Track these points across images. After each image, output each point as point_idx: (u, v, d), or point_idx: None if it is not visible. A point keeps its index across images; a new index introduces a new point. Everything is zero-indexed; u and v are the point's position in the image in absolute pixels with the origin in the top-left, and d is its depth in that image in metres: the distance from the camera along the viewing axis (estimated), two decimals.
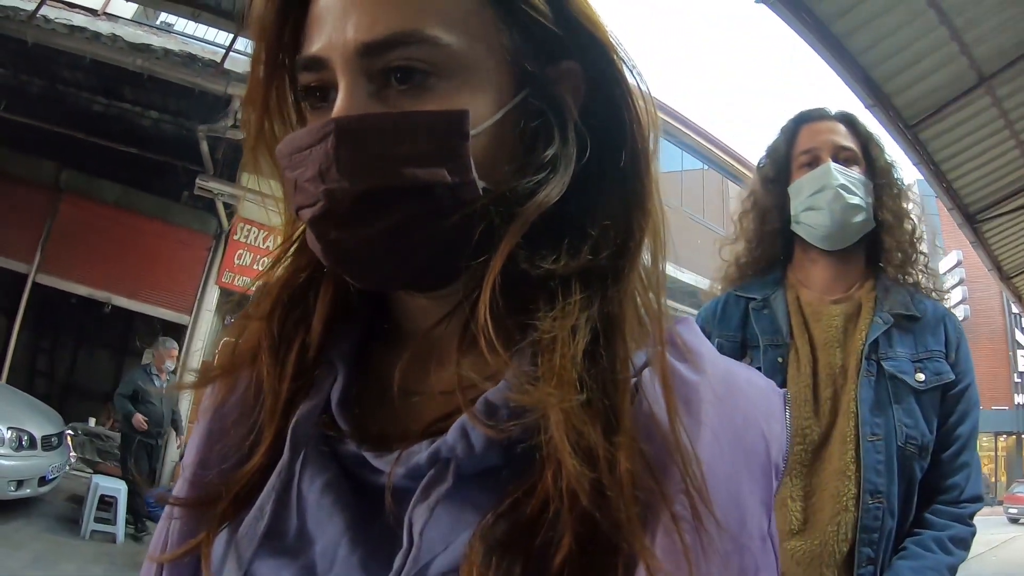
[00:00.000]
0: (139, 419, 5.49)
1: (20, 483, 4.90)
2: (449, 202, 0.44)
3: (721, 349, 1.29)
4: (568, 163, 0.46)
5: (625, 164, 0.47)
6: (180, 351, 6.41)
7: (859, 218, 1.28)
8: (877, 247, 1.33)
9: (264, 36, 0.48)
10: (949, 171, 5.65)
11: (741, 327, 1.33)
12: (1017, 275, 6.80)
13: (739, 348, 1.32)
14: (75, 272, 7.19)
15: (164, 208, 7.62)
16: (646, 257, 0.47)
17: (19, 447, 4.87)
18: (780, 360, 1.27)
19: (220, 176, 6.81)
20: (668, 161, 12.32)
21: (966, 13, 4.09)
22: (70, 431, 6.23)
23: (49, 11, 5.69)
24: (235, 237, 7.65)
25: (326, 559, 0.45)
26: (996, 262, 6.43)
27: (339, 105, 0.44)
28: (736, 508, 0.43)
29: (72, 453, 6.13)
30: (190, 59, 6.07)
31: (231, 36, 5.77)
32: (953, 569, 1.16)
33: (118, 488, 5.44)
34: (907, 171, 1.42)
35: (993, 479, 23.84)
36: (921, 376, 1.22)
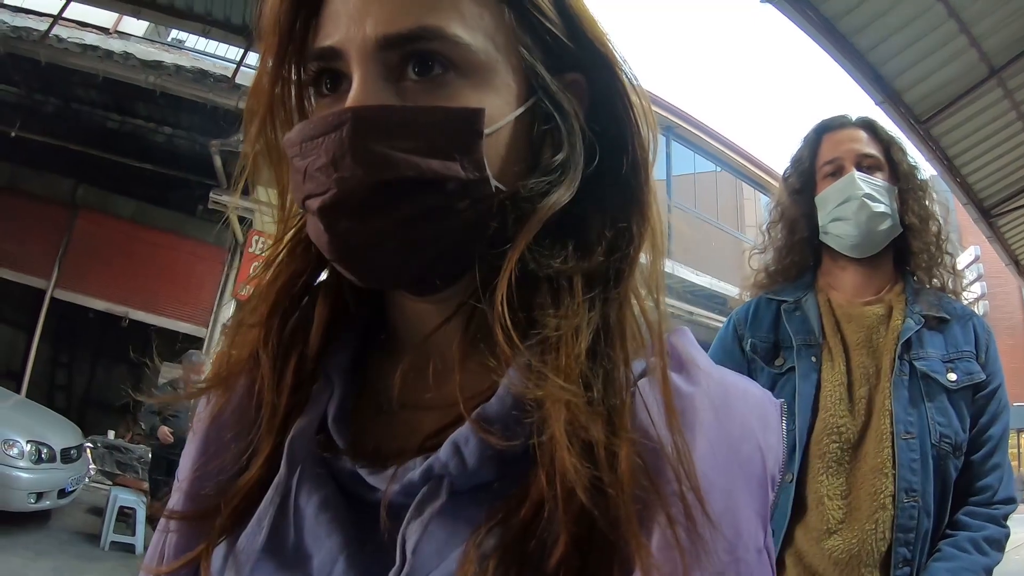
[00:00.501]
0: (164, 432, 5.54)
1: (40, 495, 4.96)
2: (462, 197, 0.44)
3: (755, 350, 1.33)
4: (576, 168, 0.47)
5: (626, 173, 0.48)
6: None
7: (885, 225, 1.30)
8: (905, 250, 1.34)
9: (276, 28, 0.47)
10: (963, 166, 5.60)
11: (774, 329, 1.34)
12: None
13: (772, 349, 1.33)
14: (92, 287, 7.29)
15: (179, 222, 7.72)
16: (645, 264, 0.48)
17: (39, 460, 4.93)
18: (814, 359, 1.28)
19: (234, 191, 6.88)
20: (681, 164, 12.26)
21: (974, 6, 4.06)
22: (89, 444, 6.29)
23: (61, 31, 5.80)
24: (250, 250, 7.71)
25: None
26: (1013, 256, 6.36)
27: (354, 95, 0.44)
28: (731, 520, 0.42)
29: (91, 465, 6.20)
30: (202, 75, 6.15)
31: (241, 51, 5.83)
32: (989, 570, 1.15)
33: (137, 500, 5.49)
34: (922, 166, 1.42)
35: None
36: (953, 376, 1.23)
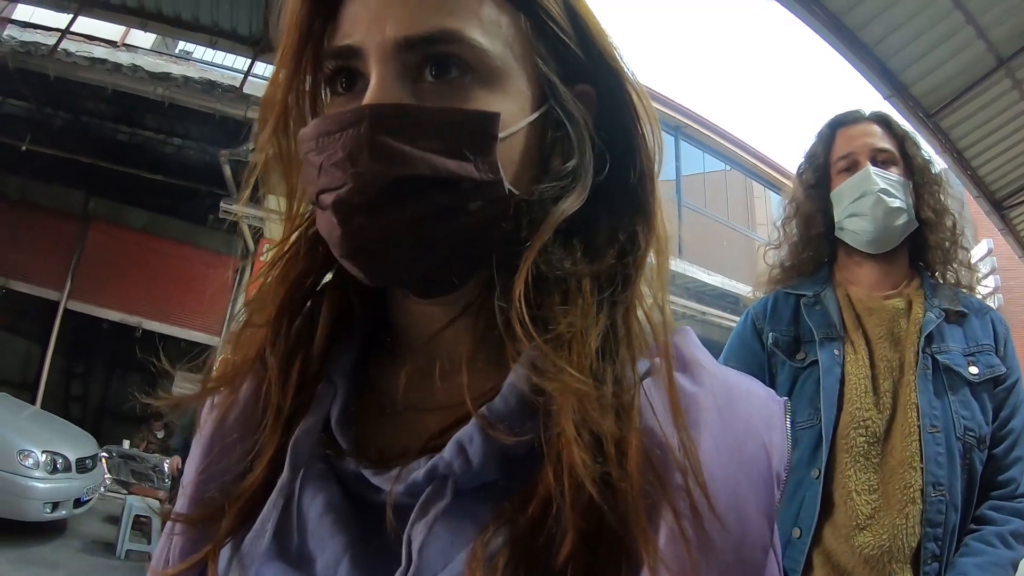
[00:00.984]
0: (176, 463, 5.63)
1: (55, 505, 5.00)
2: (475, 198, 0.45)
3: (776, 344, 1.32)
4: (587, 176, 0.48)
5: (634, 182, 0.49)
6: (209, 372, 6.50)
7: (901, 220, 1.29)
8: (920, 245, 1.33)
9: (295, 27, 0.48)
10: (973, 158, 5.54)
11: (794, 322, 1.33)
12: None
13: (793, 343, 1.32)
14: (106, 298, 7.36)
15: (191, 232, 7.78)
16: (651, 270, 0.49)
17: (54, 470, 4.97)
18: (836, 352, 1.26)
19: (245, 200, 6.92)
20: (690, 164, 12.20)
21: None
22: (104, 453, 6.34)
23: (70, 45, 5.87)
24: (261, 258, 7.75)
25: None
26: None
27: (371, 93, 0.44)
28: (737, 518, 0.42)
29: (107, 475, 6.24)
30: (210, 85, 6.21)
31: (249, 61, 5.87)
32: (1015, 564, 1.14)
33: (152, 508, 5.53)
34: (935, 160, 1.42)
35: None
36: (974, 369, 1.23)
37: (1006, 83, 4.61)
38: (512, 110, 0.46)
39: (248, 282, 7.73)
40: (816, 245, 1.39)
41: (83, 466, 5.34)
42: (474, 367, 0.47)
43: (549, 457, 0.41)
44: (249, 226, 7.44)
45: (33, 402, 6.81)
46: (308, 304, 0.52)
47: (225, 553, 0.47)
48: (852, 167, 1.34)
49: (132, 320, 7.48)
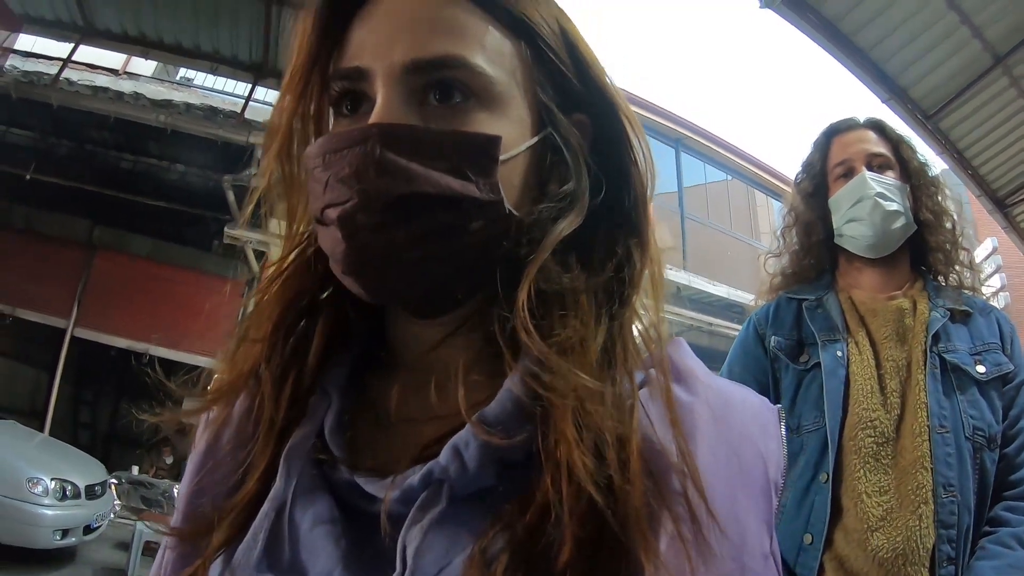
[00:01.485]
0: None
1: (65, 532, 4.97)
2: (476, 217, 0.46)
3: (779, 347, 1.32)
4: (583, 199, 0.50)
5: (628, 205, 0.51)
6: None
7: (899, 223, 1.29)
8: (921, 248, 1.33)
9: (303, 48, 0.50)
10: (973, 158, 5.54)
11: (796, 326, 1.33)
12: None
13: (796, 346, 1.31)
14: (113, 325, 7.38)
15: (196, 258, 7.81)
16: (646, 285, 0.51)
17: (63, 497, 4.96)
18: (840, 354, 1.25)
19: (248, 224, 6.96)
20: (691, 175, 12.25)
21: None
22: (114, 480, 6.33)
23: (72, 74, 5.95)
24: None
25: None
26: None
27: (378, 112, 0.46)
28: (736, 526, 0.43)
29: (116, 501, 6.22)
30: (211, 112, 6.27)
31: (250, 87, 5.94)
32: None
33: (163, 534, 5.49)
34: (932, 162, 1.43)
35: None
36: (982, 368, 1.22)
37: (1003, 81, 4.62)
38: (512, 134, 0.48)
39: (246, 302, 7.75)
40: (817, 252, 1.40)
41: (92, 493, 5.32)
42: (469, 380, 0.47)
43: (547, 462, 0.41)
44: (253, 250, 7.52)
45: (41, 430, 6.81)
46: (304, 321, 0.53)
47: (216, 566, 0.46)
48: (848, 173, 1.35)
49: (139, 347, 7.48)
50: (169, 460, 7.27)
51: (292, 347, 0.52)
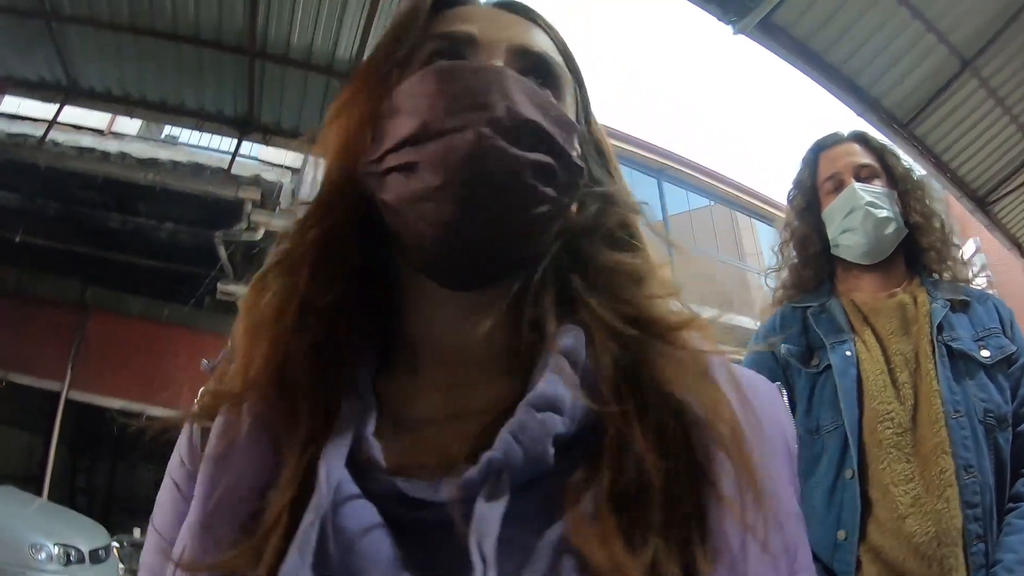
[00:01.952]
0: None
1: None
2: (566, 176, 0.50)
3: (790, 354, 1.36)
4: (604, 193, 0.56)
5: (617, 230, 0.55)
6: None
7: (891, 229, 1.35)
8: (914, 250, 1.39)
9: (407, 20, 0.55)
10: (951, 160, 5.66)
11: (803, 332, 1.37)
12: None
13: (806, 351, 1.35)
14: (108, 386, 7.28)
15: (190, 316, 7.74)
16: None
17: (68, 562, 4.85)
18: (849, 354, 1.29)
19: (241, 279, 6.95)
20: (675, 203, 12.46)
21: (937, 3, 4.19)
22: (116, 543, 6.19)
23: (58, 135, 5.96)
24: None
25: None
26: (1015, 240, 6.35)
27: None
28: (772, 486, 0.46)
29: (120, 565, 6.08)
30: (198, 168, 6.30)
31: (235, 142, 5.98)
32: None
33: None
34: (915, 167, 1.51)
35: None
36: (986, 352, 1.27)
37: (973, 83, 4.75)
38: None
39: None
40: (815, 263, 1.45)
41: (96, 557, 5.21)
42: (490, 377, 0.50)
43: (612, 415, 0.44)
44: None
45: (39, 495, 6.66)
46: (331, 313, 0.51)
47: None
48: (839, 186, 1.41)
49: (135, 407, 7.37)
50: None
51: (314, 346, 0.50)
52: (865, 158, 1.43)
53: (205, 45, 4.85)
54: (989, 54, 4.50)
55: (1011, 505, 1.19)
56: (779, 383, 0.45)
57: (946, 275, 1.39)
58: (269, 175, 6.75)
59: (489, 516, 0.41)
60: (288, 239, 0.54)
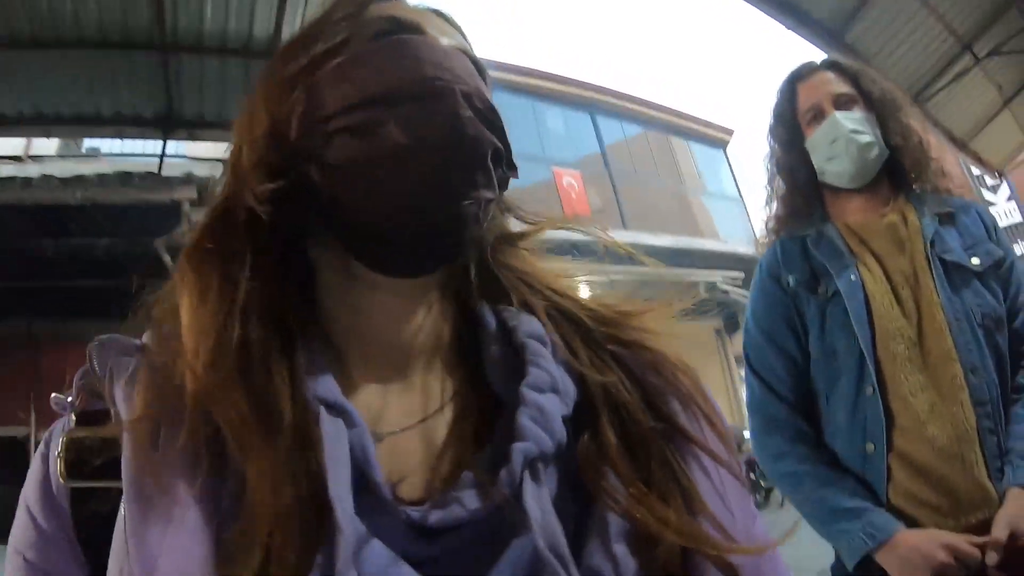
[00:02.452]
0: None
1: None
2: (503, 169, 0.49)
3: (799, 284, 1.40)
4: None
5: None
6: None
7: (875, 153, 1.39)
8: (896, 167, 1.44)
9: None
10: (882, 63, 5.80)
11: (805, 261, 1.41)
12: (970, 140, 6.99)
13: (812, 279, 1.39)
14: None
15: (143, 331, 7.52)
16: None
17: None
18: (853, 278, 1.34)
19: None
20: (610, 134, 12.54)
21: None
22: None
23: None
24: None
25: None
26: (949, 134, 6.60)
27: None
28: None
29: None
30: (127, 177, 6.03)
31: (160, 143, 5.72)
32: None
33: None
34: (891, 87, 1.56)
35: None
36: (976, 260, 1.34)
37: None
38: None
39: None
40: (805, 192, 1.49)
41: None
42: (431, 372, 0.50)
43: (600, 385, 0.48)
44: None
45: None
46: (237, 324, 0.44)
47: None
48: (819, 116, 1.43)
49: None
50: None
51: (256, 354, 0.43)
52: (842, 86, 1.45)
53: (113, 47, 4.55)
54: None
55: (1015, 396, 1.28)
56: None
57: (928, 188, 1.44)
58: (200, 171, 6.51)
59: (544, 509, 0.41)
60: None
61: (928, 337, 1.28)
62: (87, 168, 6.13)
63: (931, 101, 6.09)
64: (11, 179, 5.70)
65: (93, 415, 0.47)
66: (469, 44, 0.53)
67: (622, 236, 0.59)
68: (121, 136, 5.88)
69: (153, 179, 5.88)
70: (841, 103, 1.42)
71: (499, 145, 0.47)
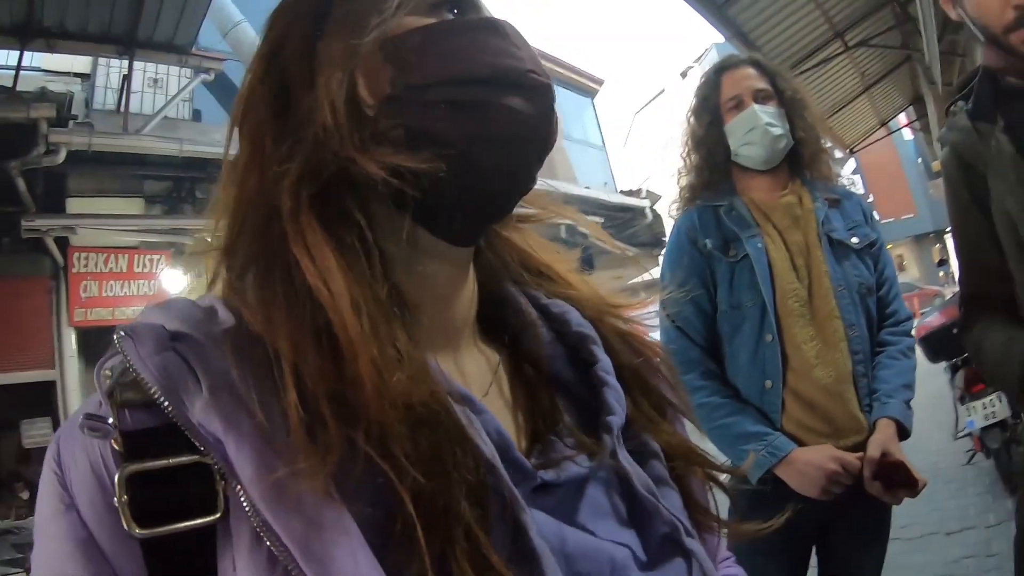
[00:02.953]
0: None
1: None
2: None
3: (714, 247, 1.62)
4: None
5: None
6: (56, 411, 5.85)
7: (783, 144, 1.66)
8: (795, 154, 1.71)
9: None
10: (758, 39, 6.24)
11: (718, 228, 1.65)
12: (828, 117, 7.73)
13: (724, 244, 1.63)
14: None
15: None
16: None
17: None
18: (760, 245, 1.60)
19: (46, 210, 6.10)
20: None
21: None
22: None
23: None
24: (74, 270, 6.94)
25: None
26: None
27: None
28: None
29: None
30: None
31: (16, 53, 5.05)
32: (914, 368, 1.60)
33: None
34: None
35: None
36: (855, 239, 1.65)
37: None
38: None
39: (68, 300, 6.88)
40: (719, 168, 1.74)
41: None
42: (470, 342, 0.54)
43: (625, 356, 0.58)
44: (55, 239, 6.63)
45: None
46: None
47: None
48: (739, 106, 1.67)
49: None
50: (25, 495, 6.48)
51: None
52: (761, 82, 1.69)
53: None
54: None
55: (879, 349, 1.61)
56: None
57: (817, 175, 1.73)
58: (56, 86, 5.83)
59: (631, 464, 0.51)
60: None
61: (816, 298, 1.57)
62: None
63: (799, 78, 6.63)
64: None
65: (144, 435, 0.40)
66: None
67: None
68: None
69: (7, 95, 5.21)
70: (760, 97, 1.67)
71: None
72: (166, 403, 0.39)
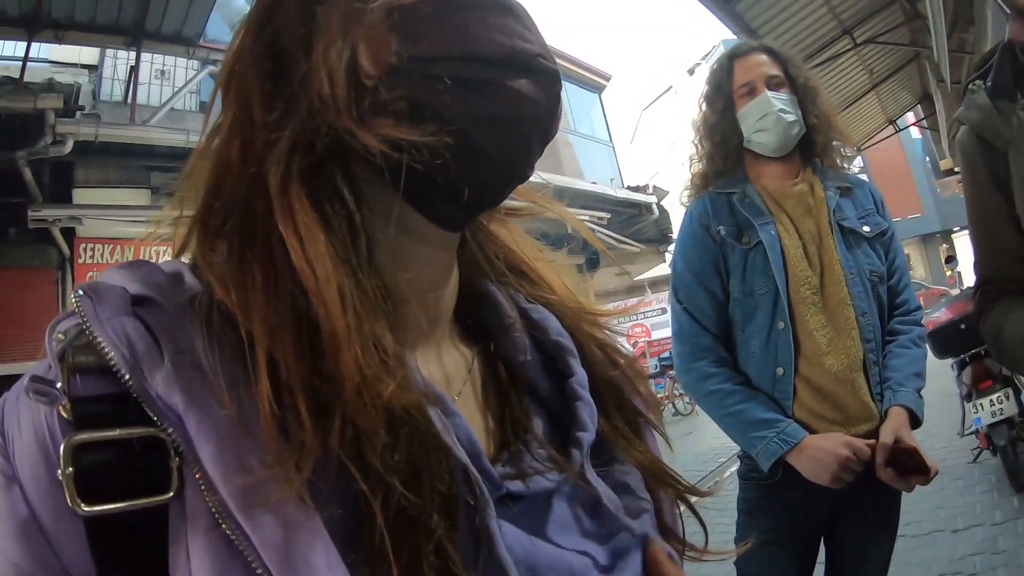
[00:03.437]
0: None
1: None
2: None
3: (727, 234, 1.61)
4: None
5: None
6: None
7: (796, 130, 1.64)
8: (808, 141, 1.69)
9: None
10: (765, 35, 6.20)
11: (731, 215, 1.64)
12: (836, 114, 7.70)
13: (737, 231, 1.62)
14: None
15: None
16: None
17: None
18: (773, 233, 1.59)
19: (53, 201, 6.12)
20: None
21: None
22: None
23: None
24: (80, 261, 6.96)
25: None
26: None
27: None
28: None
29: None
30: None
31: (24, 45, 5.07)
32: (925, 357, 1.59)
33: None
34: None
35: None
36: (867, 228, 1.63)
37: None
38: None
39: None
40: (732, 155, 1.72)
41: None
42: (444, 336, 0.52)
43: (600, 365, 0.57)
44: (61, 229, 6.65)
45: None
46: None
47: None
48: (752, 92, 1.65)
49: None
50: None
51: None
52: (774, 69, 1.67)
53: None
54: None
55: (889, 338, 1.60)
56: None
57: (828, 163, 1.71)
58: (63, 77, 5.84)
59: (598, 481, 0.49)
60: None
61: (828, 286, 1.56)
62: None
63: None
64: None
65: (96, 403, 0.37)
66: None
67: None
68: None
69: (14, 85, 5.22)
70: (772, 84, 1.65)
71: None
72: (124, 371, 0.36)
